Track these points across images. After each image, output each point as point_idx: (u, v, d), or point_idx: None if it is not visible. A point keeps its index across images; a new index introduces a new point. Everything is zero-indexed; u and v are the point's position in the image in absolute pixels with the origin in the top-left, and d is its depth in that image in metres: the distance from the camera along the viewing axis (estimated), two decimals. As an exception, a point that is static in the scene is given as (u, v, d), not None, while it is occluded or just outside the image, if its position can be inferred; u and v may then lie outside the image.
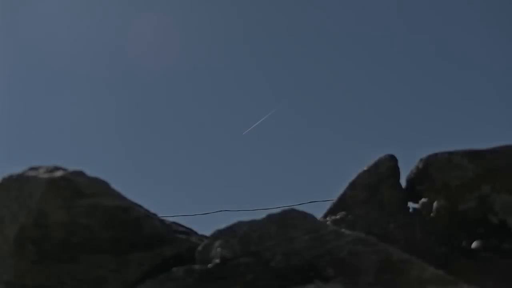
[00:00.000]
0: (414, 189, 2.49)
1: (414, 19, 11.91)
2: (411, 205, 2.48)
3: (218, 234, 1.88)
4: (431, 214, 2.40)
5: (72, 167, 1.97)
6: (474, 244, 2.31)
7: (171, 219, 2.15)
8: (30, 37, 11.63)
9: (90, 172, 1.98)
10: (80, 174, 1.96)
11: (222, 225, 1.91)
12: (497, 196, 2.38)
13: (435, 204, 2.41)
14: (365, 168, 2.55)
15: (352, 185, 2.53)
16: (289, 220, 1.87)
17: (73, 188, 1.92)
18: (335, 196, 2.57)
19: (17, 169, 2.01)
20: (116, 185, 1.99)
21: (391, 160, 2.54)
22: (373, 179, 2.51)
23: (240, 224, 1.89)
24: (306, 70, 12.23)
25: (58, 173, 1.94)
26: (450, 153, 2.46)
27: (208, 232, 1.96)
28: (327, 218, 2.48)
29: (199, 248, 1.88)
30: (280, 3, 12.09)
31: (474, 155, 2.44)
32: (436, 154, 2.48)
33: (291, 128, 12.77)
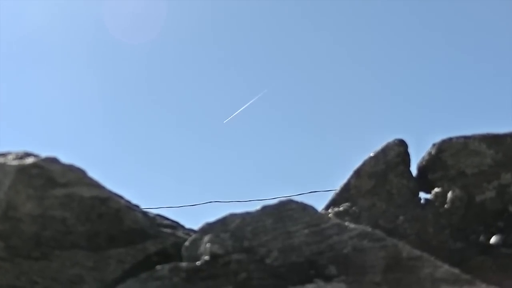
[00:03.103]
0: (426, 177, 2.48)
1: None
2: (422, 195, 2.48)
3: (208, 228, 1.87)
4: (445, 206, 2.40)
5: (44, 153, 1.96)
6: (493, 239, 2.31)
7: (155, 211, 2.15)
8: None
9: (65, 158, 1.96)
10: (54, 161, 1.94)
11: (212, 218, 1.90)
12: (519, 186, 2.37)
13: (449, 194, 2.40)
14: (371, 155, 2.54)
15: (357, 174, 2.52)
16: (286, 212, 1.85)
17: (46, 176, 1.90)
18: (338, 185, 2.57)
19: (-17, 156, 1.97)
20: (94, 173, 1.98)
21: (401, 146, 2.53)
22: (380, 167, 2.50)
23: (232, 216, 1.88)
24: (305, 47, 12.20)
25: (29, 160, 1.92)
26: (467, 138, 2.46)
27: (196, 226, 1.95)
28: (329, 210, 2.48)
29: (186, 243, 1.86)
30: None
31: (493, 140, 2.44)
32: (450, 139, 2.47)
33: (290, 111, 12.80)
